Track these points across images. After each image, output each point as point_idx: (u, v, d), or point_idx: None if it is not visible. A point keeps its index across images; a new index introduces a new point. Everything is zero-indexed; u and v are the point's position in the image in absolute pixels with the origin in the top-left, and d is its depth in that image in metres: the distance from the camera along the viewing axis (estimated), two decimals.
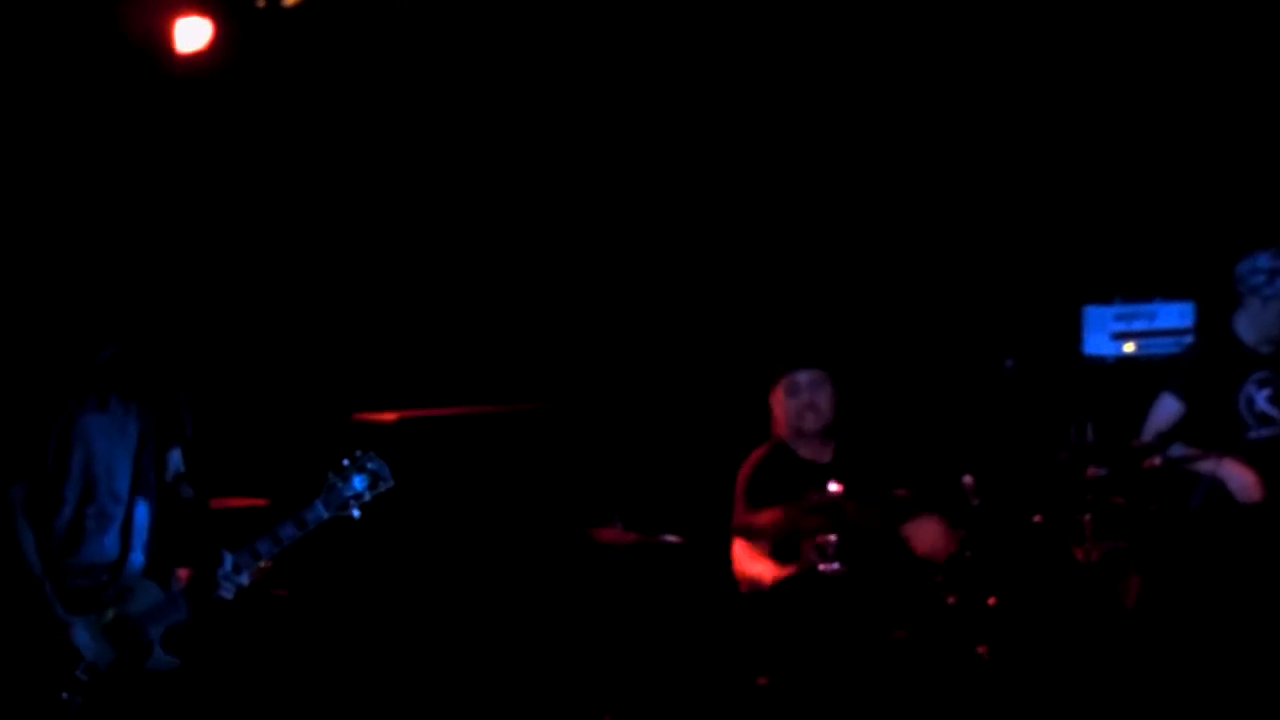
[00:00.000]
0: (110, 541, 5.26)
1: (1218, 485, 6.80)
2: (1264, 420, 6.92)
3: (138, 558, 5.28)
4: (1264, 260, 6.92)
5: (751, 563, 6.87)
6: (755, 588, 6.84)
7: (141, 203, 7.52)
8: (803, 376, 7.07)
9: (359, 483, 5.41)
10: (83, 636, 5.12)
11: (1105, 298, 8.43)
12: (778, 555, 6.86)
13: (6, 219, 7.25)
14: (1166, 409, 6.93)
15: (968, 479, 6.94)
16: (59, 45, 7.34)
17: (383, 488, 5.46)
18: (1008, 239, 8.90)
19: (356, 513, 5.41)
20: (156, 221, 7.52)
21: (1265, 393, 6.93)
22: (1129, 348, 8.36)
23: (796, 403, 7.06)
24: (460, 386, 8.28)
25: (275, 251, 8.16)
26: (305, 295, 8.23)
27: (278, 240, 8.17)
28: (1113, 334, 8.41)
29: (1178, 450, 6.85)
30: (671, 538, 7.17)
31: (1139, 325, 8.37)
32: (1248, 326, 6.99)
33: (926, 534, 6.89)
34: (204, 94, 7.69)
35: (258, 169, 8.09)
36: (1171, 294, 8.29)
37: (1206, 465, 6.82)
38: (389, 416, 7.66)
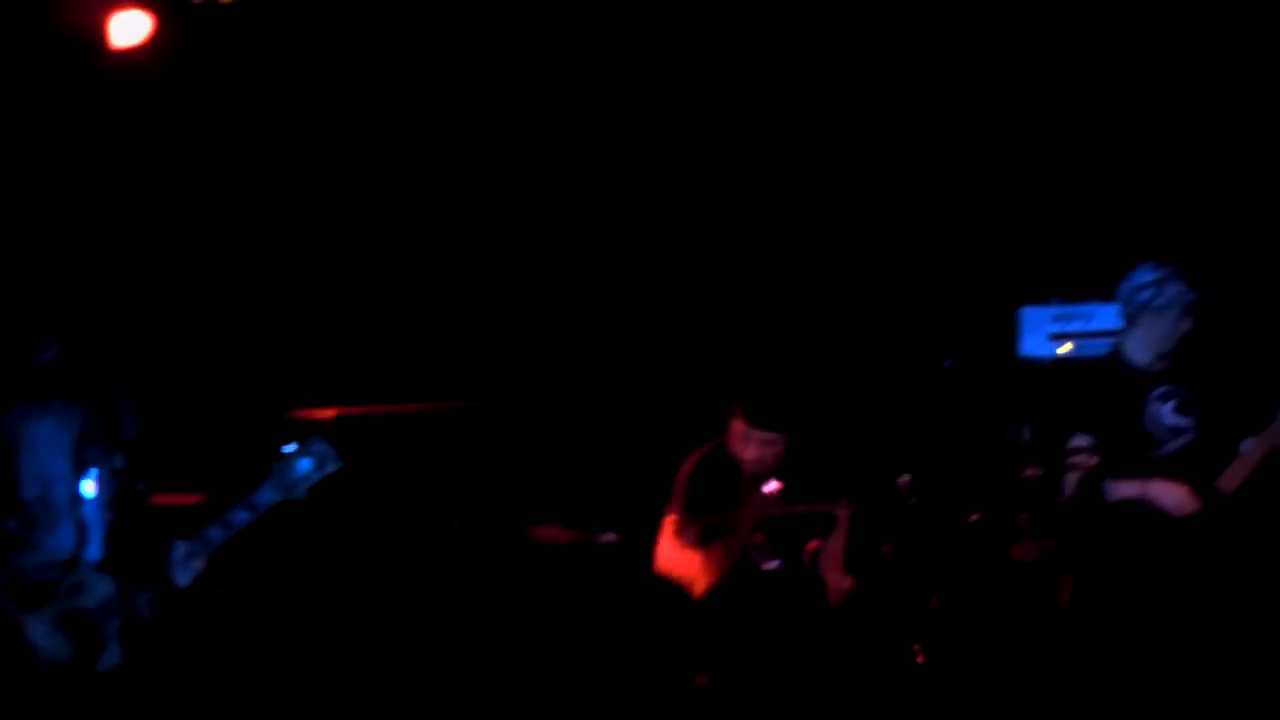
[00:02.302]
0: (64, 538, 5.20)
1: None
2: (1176, 432, 6.94)
3: (93, 553, 5.23)
4: (1145, 275, 6.90)
5: (679, 561, 6.95)
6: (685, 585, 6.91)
7: (80, 202, 7.47)
8: (760, 435, 7.17)
9: (305, 464, 5.34)
10: (39, 631, 5.08)
11: (1043, 299, 8.47)
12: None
13: None
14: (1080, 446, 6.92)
15: (904, 478, 6.97)
16: None
17: (330, 468, 5.39)
18: (946, 241, 8.93)
19: (304, 495, 5.37)
20: (95, 221, 7.47)
21: (1170, 405, 6.94)
22: (1066, 349, 8.39)
23: (747, 450, 7.16)
24: (399, 384, 8.26)
25: (212, 251, 8.12)
26: (241, 293, 8.20)
27: (215, 239, 8.14)
28: (1050, 335, 8.44)
29: (1107, 489, 6.85)
30: (609, 536, 7.20)
31: (1076, 326, 8.41)
32: (1138, 346, 6.96)
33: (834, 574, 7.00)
34: (142, 90, 7.64)
35: (195, 167, 8.05)
36: (1108, 295, 8.33)
37: (1135, 492, 6.83)
38: (327, 413, 7.63)
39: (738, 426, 7.20)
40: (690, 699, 6.60)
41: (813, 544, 7.06)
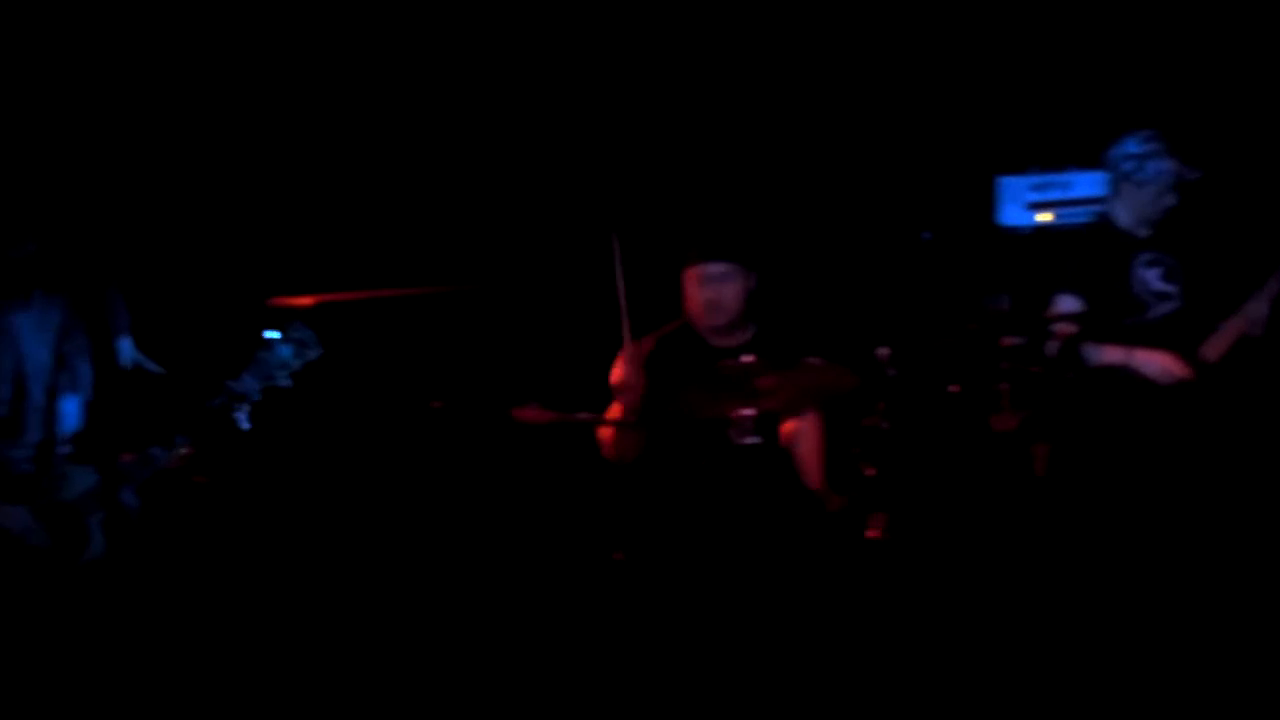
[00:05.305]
0: (43, 430, 5.30)
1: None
2: (1162, 297, 6.97)
3: (65, 447, 5.30)
4: (1133, 145, 6.95)
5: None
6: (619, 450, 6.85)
7: (59, 100, 7.46)
8: (712, 269, 6.86)
9: (285, 351, 5.37)
10: (19, 522, 5.15)
11: (1019, 168, 8.46)
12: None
13: None
14: (1065, 307, 6.93)
15: (883, 350, 6.98)
16: None
17: (311, 355, 5.40)
18: (922, 111, 8.89)
19: (287, 382, 5.38)
20: (72, 117, 7.46)
21: (1155, 271, 6.98)
22: (1044, 217, 8.39)
23: (702, 295, 6.88)
24: (377, 271, 8.25)
25: (187, 143, 8.10)
26: (219, 184, 8.19)
27: (193, 130, 8.12)
28: (1027, 204, 8.44)
29: (1090, 353, 6.86)
30: (586, 416, 7.15)
31: (1054, 195, 8.41)
32: (1124, 211, 7.01)
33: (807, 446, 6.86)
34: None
35: (172, 59, 8.02)
36: (1087, 163, 8.31)
37: (1118, 358, 6.84)
38: (305, 300, 7.62)
39: (690, 276, 6.90)
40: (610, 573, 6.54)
41: (788, 425, 6.88)
